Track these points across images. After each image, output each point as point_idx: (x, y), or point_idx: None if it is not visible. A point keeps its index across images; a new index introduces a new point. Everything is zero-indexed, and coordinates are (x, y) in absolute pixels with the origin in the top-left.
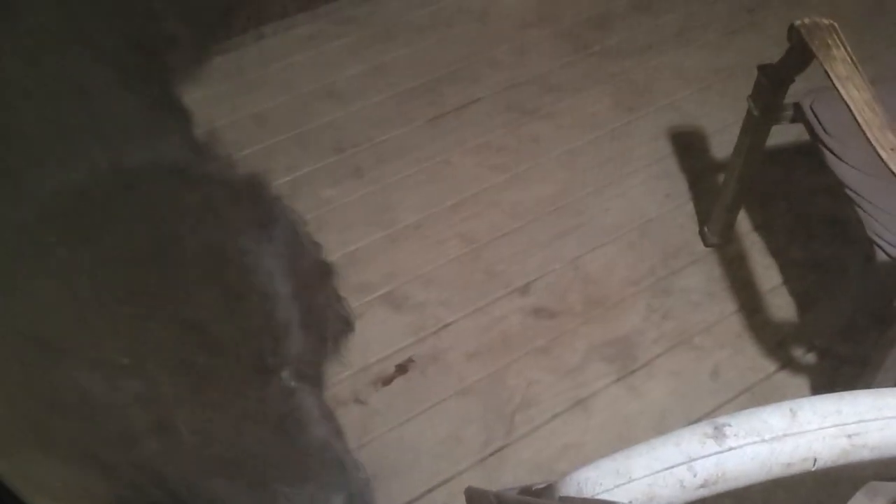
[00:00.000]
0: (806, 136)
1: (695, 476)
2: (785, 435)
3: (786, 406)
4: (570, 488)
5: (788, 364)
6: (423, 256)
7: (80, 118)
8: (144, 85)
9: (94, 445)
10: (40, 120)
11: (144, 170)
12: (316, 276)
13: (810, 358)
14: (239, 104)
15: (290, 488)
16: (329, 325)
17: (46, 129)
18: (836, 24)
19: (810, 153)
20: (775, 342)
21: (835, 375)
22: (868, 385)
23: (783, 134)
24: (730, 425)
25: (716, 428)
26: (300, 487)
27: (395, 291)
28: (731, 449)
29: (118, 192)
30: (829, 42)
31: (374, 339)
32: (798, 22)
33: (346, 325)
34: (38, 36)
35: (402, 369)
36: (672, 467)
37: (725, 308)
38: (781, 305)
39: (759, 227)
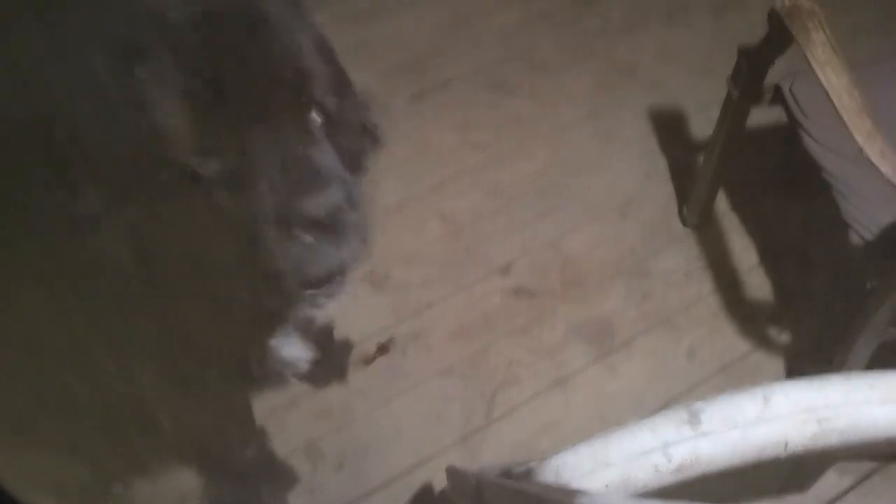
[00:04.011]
0: (786, 118)
1: (670, 461)
2: (758, 421)
3: (759, 392)
4: (548, 473)
5: (764, 344)
6: (404, 236)
7: None
8: None
9: (80, 438)
10: None
11: None
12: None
13: (785, 337)
14: None
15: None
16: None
17: None
18: (816, 7)
19: (790, 135)
20: (752, 322)
21: (810, 353)
22: (841, 365)
23: (765, 115)
24: (704, 411)
25: (691, 414)
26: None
27: (376, 271)
28: (705, 434)
29: None
30: (809, 25)
31: (355, 319)
32: (778, 4)
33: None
34: None
35: (383, 349)
36: (648, 452)
37: (703, 288)
38: (758, 286)
39: (738, 207)
